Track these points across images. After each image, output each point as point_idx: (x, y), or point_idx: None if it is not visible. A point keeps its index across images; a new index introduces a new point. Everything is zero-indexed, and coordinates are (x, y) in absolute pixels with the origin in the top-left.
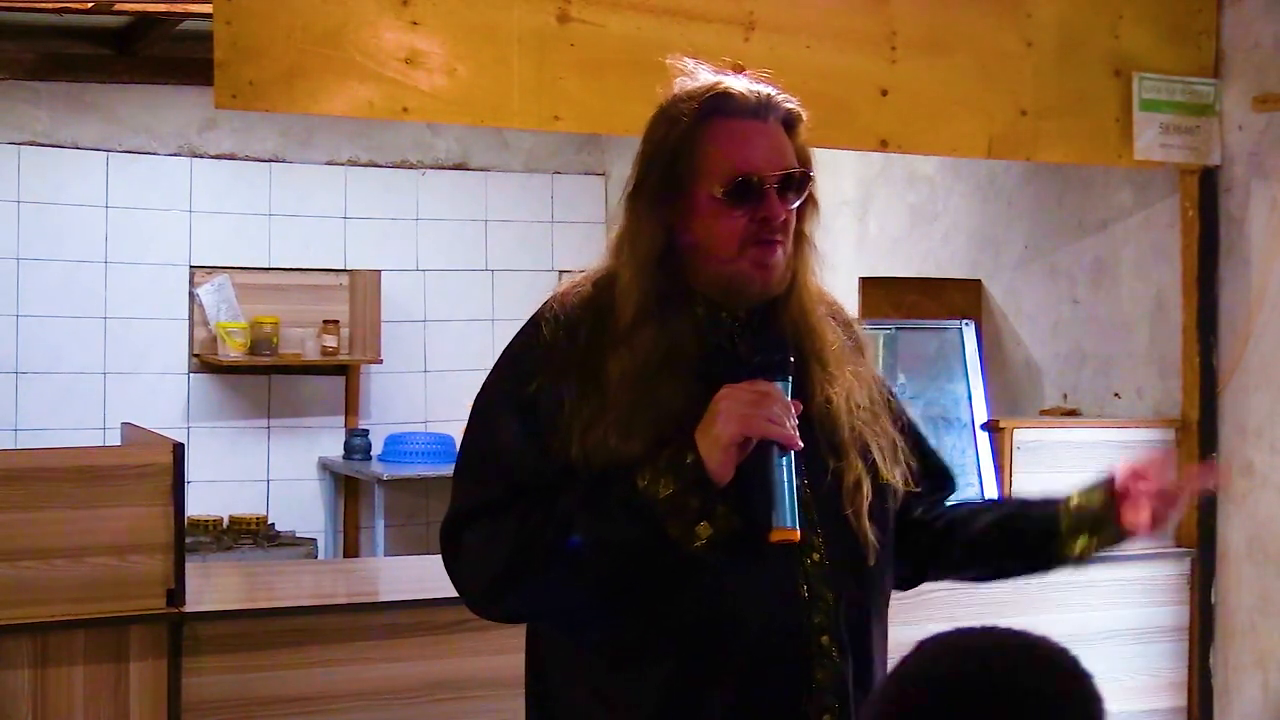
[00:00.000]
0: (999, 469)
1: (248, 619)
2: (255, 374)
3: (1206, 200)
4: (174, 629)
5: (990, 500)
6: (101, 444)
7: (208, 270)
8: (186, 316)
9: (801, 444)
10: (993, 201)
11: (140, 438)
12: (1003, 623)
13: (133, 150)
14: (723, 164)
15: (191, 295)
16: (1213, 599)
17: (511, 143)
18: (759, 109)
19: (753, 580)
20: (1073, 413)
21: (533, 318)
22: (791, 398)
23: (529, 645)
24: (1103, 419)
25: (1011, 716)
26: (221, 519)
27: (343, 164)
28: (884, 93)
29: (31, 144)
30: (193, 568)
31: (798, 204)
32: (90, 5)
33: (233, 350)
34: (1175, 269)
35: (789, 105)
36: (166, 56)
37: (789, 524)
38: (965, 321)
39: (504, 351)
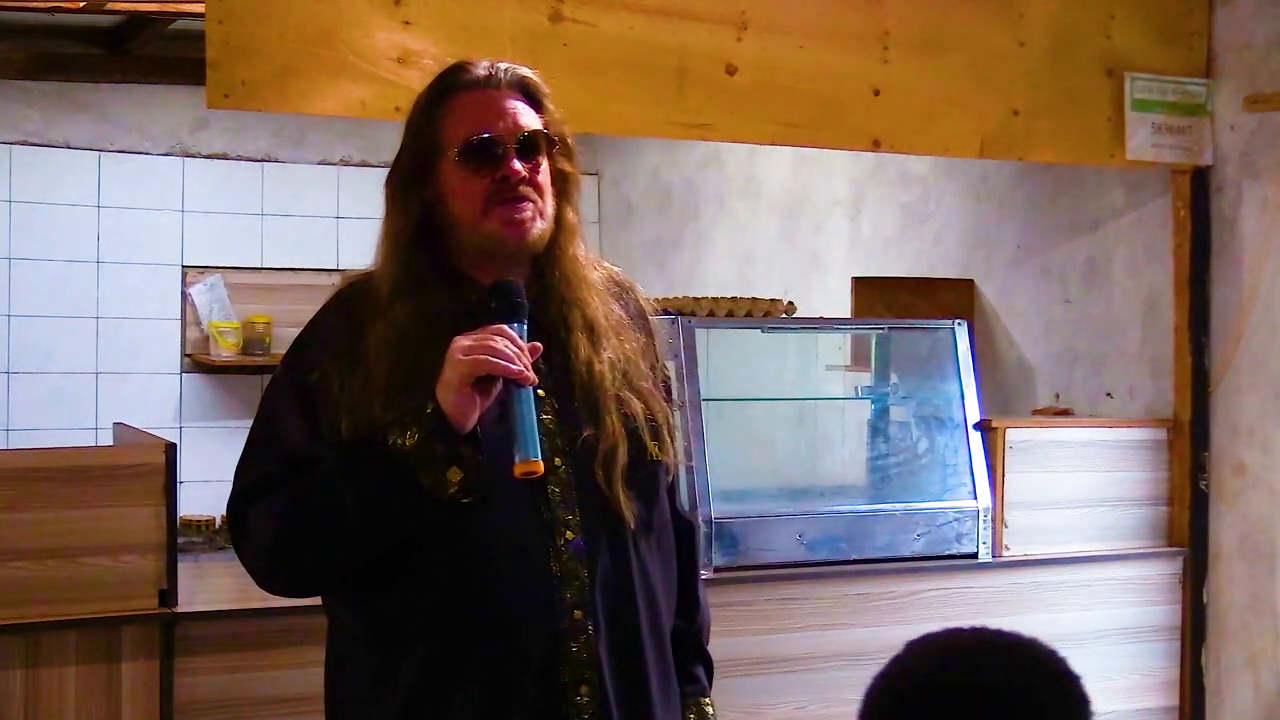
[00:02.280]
0: (991, 469)
1: (240, 619)
2: (248, 374)
3: (1198, 200)
4: (166, 629)
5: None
6: (93, 444)
7: (200, 270)
8: (179, 316)
9: (535, 379)
10: (985, 201)
11: (132, 438)
12: (995, 623)
13: (125, 150)
14: (458, 131)
15: (184, 295)
16: (1204, 598)
17: None
18: (489, 79)
19: (505, 547)
20: (1065, 412)
21: (319, 309)
22: (540, 350)
23: (328, 629)
24: (1095, 419)
25: (1001, 717)
26: (214, 519)
27: (335, 164)
28: (876, 92)
29: (23, 143)
30: (185, 568)
31: (543, 165)
32: (82, 4)
33: (225, 350)
34: (1167, 269)
35: (521, 73)
36: (158, 56)
37: (531, 456)
38: (957, 321)
39: (291, 345)
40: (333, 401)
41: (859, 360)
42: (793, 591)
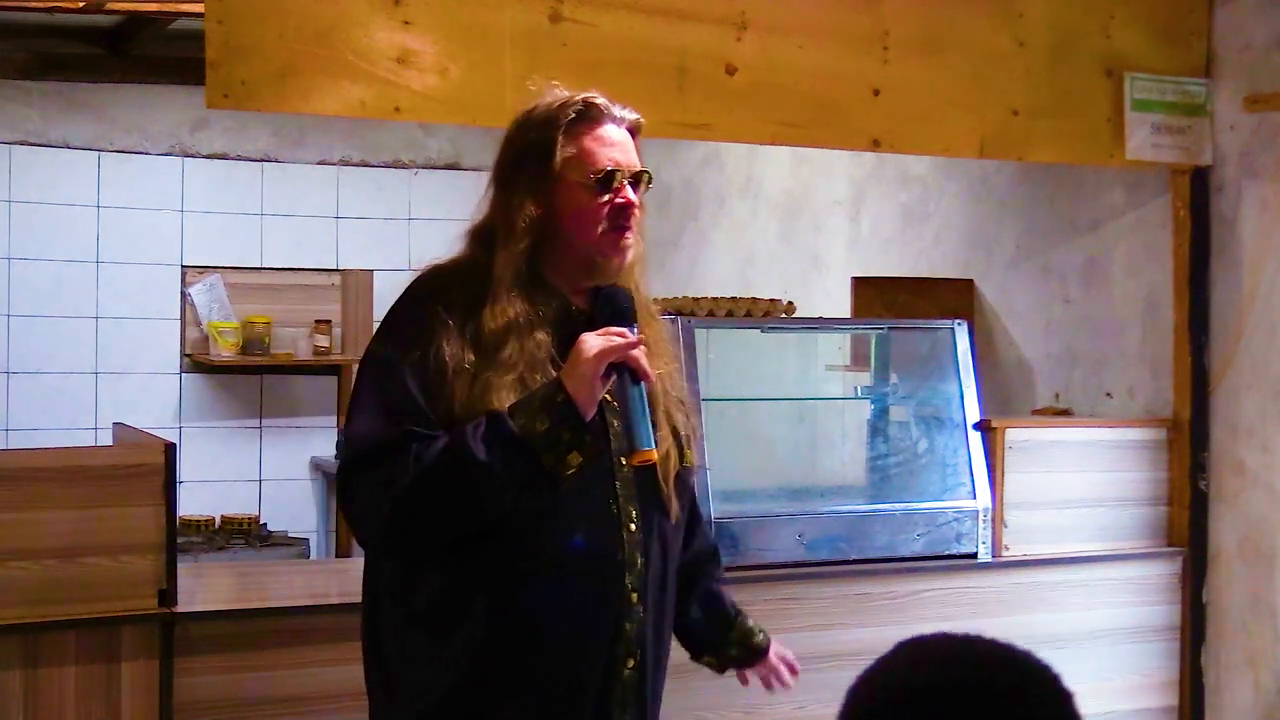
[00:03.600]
0: (991, 469)
1: (239, 619)
2: (247, 374)
3: (1198, 200)
4: (165, 629)
5: (702, 561)
6: (93, 444)
7: (200, 270)
8: (178, 316)
9: (654, 375)
10: (985, 201)
11: (132, 438)
12: (995, 623)
13: (124, 150)
14: (591, 159)
15: (183, 295)
16: (1204, 598)
17: None
18: (616, 117)
19: (583, 531)
20: (1065, 412)
21: (410, 293)
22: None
23: (366, 613)
24: (1095, 419)
25: None
26: (213, 519)
27: (335, 164)
28: (876, 92)
29: (23, 143)
30: (184, 568)
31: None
32: (82, 4)
33: (225, 350)
34: (1167, 269)
35: (635, 116)
36: (158, 56)
37: (647, 446)
38: (957, 321)
39: (385, 322)
40: (445, 380)
41: (859, 360)
42: (793, 591)
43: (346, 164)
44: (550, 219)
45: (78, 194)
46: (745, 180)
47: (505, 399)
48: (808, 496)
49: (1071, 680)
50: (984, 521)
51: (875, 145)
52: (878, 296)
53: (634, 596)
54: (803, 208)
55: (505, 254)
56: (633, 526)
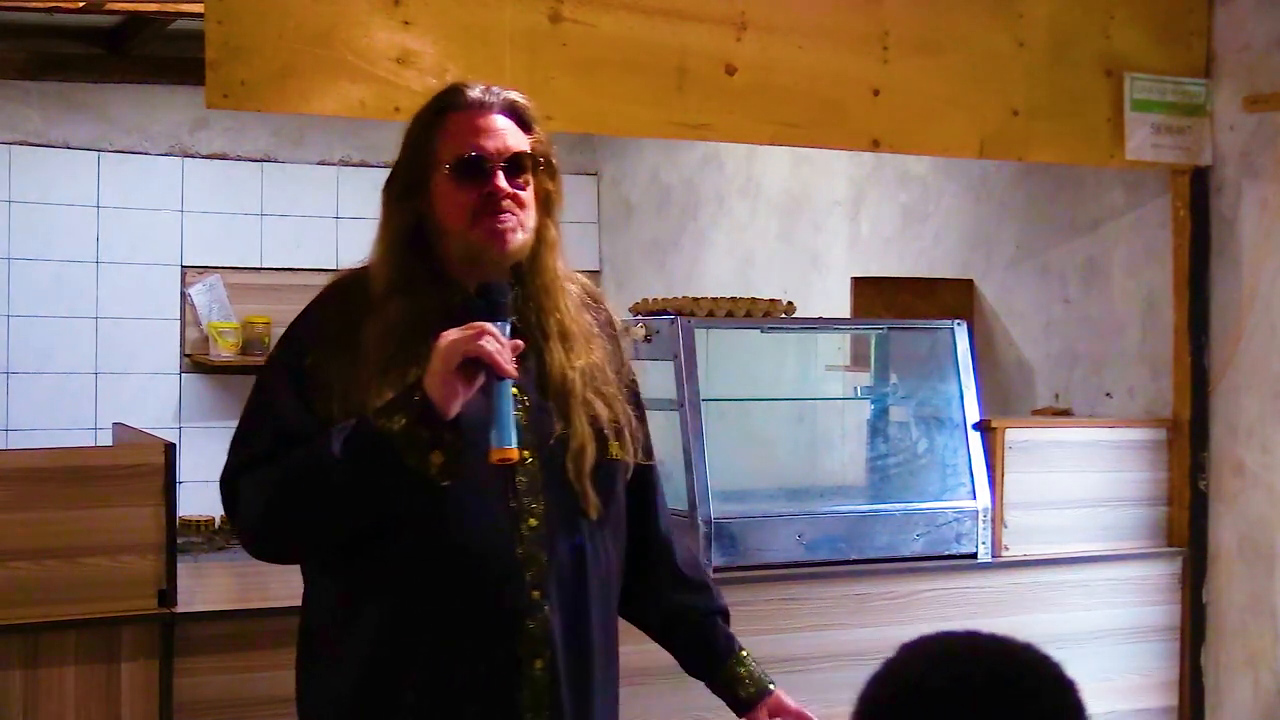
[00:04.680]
0: (991, 469)
1: (239, 619)
2: (247, 374)
3: (1198, 200)
4: (165, 629)
5: (690, 587)
6: (93, 444)
7: (199, 270)
8: (178, 316)
9: (515, 372)
10: (984, 201)
11: (132, 438)
12: (995, 623)
13: (124, 150)
14: (452, 148)
15: (183, 295)
16: (1204, 598)
17: None
18: (482, 102)
19: (475, 527)
20: (1064, 413)
21: (312, 301)
22: (521, 348)
23: (303, 597)
24: (1094, 419)
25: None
26: (213, 519)
27: (335, 164)
28: (876, 92)
29: (22, 143)
30: (184, 568)
31: (529, 183)
32: (81, 4)
33: (224, 350)
34: (1167, 269)
35: (511, 96)
36: (158, 56)
37: (507, 444)
38: (957, 321)
39: (284, 331)
40: (326, 386)
41: (859, 360)
42: (793, 591)
43: (346, 164)
44: (428, 213)
45: (78, 194)
46: (745, 180)
47: (376, 404)
48: (807, 496)
49: None
50: (984, 521)
51: (875, 145)
52: (878, 296)
53: (535, 594)
54: (803, 208)
55: (379, 253)
56: (533, 522)
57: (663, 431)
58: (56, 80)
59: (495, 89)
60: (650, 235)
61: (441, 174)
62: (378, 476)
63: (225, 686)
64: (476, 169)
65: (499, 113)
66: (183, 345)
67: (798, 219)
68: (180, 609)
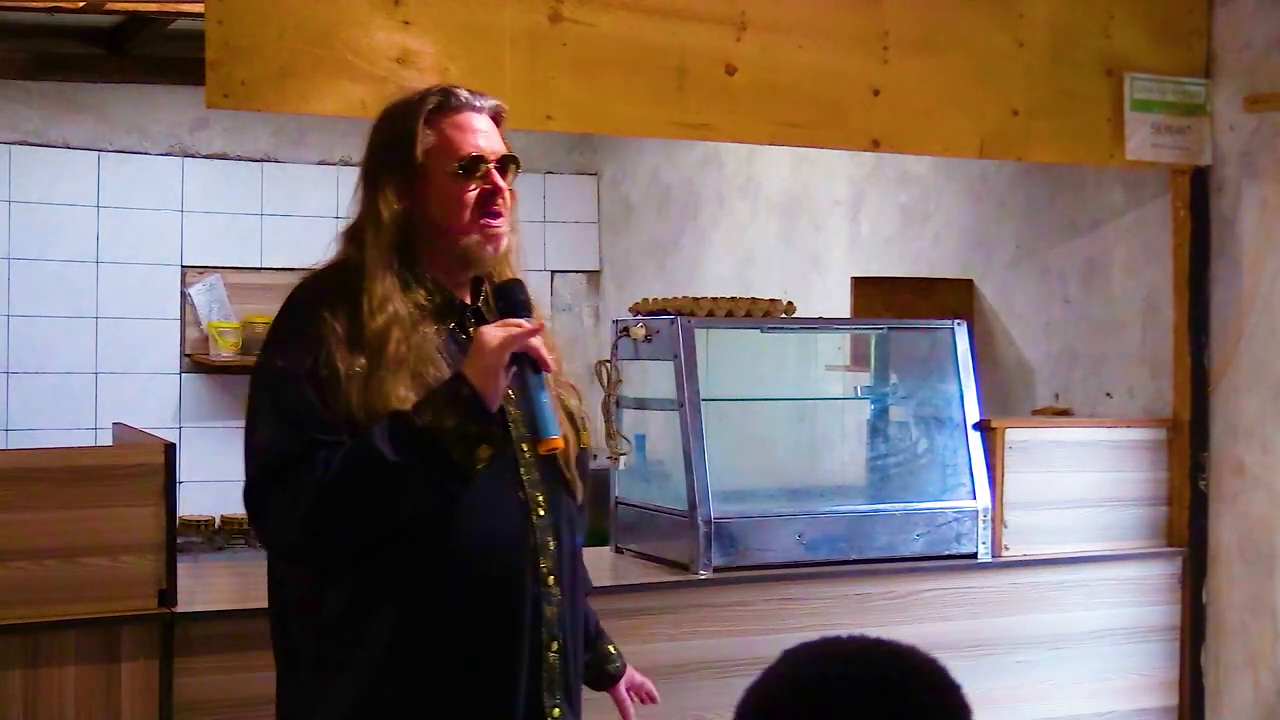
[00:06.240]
0: (991, 469)
1: (240, 619)
2: (247, 374)
3: (1198, 200)
4: (165, 629)
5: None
6: (93, 444)
7: (199, 270)
8: (178, 316)
9: (553, 365)
10: (984, 201)
11: (132, 438)
12: (994, 623)
13: (124, 150)
14: (454, 146)
15: (183, 295)
16: (1204, 598)
17: None
18: (475, 105)
19: (494, 520)
20: (1064, 412)
21: (292, 302)
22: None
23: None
24: (1094, 419)
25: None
26: (213, 519)
27: (335, 164)
28: (876, 92)
29: (22, 143)
30: (184, 568)
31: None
32: (81, 4)
33: (224, 350)
34: (1167, 269)
35: (495, 102)
36: (158, 56)
37: (554, 433)
38: (957, 321)
39: (271, 335)
40: (339, 385)
41: (859, 360)
42: (793, 591)
43: (346, 164)
44: (418, 211)
45: (77, 194)
46: (745, 180)
47: (404, 396)
48: (808, 496)
49: (1072, 680)
50: (984, 521)
51: (875, 145)
52: (878, 296)
53: (550, 579)
54: (803, 208)
55: (375, 250)
56: (541, 511)
57: (663, 431)
58: (56, 80)
59: (478, 95)
60: (650, 235)
61: (437, 170)
62: (428, 473)
63: (225, 686)
64: (479, 168)
65: (490, 116)
66: (183, 345)
67: (798, 219)
68: (180, 609)
